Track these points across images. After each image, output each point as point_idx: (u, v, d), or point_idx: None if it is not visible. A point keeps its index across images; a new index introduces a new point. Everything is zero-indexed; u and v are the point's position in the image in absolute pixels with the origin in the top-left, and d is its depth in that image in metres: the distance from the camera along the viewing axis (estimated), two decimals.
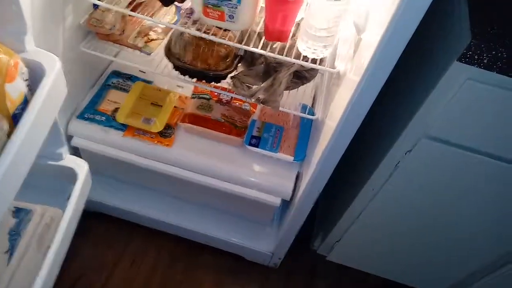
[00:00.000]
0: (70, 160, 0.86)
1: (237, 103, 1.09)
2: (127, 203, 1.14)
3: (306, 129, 1.06)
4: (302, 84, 0.96)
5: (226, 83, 0.96)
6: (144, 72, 1.12)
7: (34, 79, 0.64)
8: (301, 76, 0.94)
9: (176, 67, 0.92)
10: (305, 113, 0.96)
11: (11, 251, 0.74)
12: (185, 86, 1.12)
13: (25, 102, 0.62)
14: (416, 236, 0.93)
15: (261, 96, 0.88)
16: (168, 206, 1.16)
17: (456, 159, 0.72)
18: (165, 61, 0.93)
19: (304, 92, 1.06)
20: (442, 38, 0.69)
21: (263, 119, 1.07)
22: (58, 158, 0.85)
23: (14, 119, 0.59)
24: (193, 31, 0.84)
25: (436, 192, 0.81)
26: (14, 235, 0.76)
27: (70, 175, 0.84)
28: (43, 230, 0.77)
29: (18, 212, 0.80)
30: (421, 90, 0.69)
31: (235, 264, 1.20)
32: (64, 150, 0.86)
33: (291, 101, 1.03)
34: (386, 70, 0.60)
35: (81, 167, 0.85)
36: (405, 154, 0.75)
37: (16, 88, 0.60)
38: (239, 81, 0.90)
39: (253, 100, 0.89)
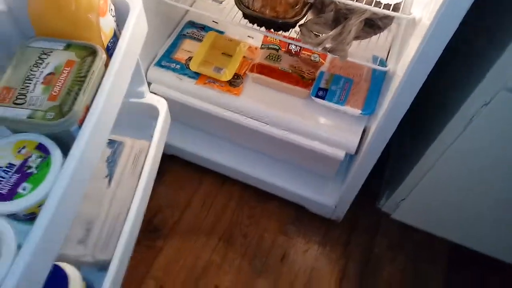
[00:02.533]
0: (151, 98, 0.91)
1: (306, 54, 1.07)
2: (200, 149, 1.21)
3: (378, 82, 1.02)
4: (375, 34, 0.92)
5: (295, 32, 0.95)
6: (217, 23, 1.15)
7: (119, 16, 0.68)
8: (373, 25, 0.89)
9: (245, 15, 0.93)
10: (376, 64, 0.92)
11: (110, 176, 0.82)
12: (256, 37, 1.12)
13: (115, 36, 0.67)
14: (489, 197, 0.87)
15: (328, 45, 0.86)
16: (237, 154, 1.21)
17: None
18: (236, 9, 0.95)
19: (377, 43, 1.01)
20: None
21: (332, 71, 1.05)
22: (140, 96, 0.90)
23: (107, 52, 0.64)
24: None
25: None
26: (111, 162, 0.85)
27: (152, 112, 0.89)
28: (135, 158, 0.84)
29: (111, 143, 0.88)
30: (501, 38, 0.62)
31: (299, 215, 1.23)
32: (145, 89, 0.91)
33: (363, 52, 0.99)
34: (462, 8, 0.55)
35: (162, 103, 0.90)
36: (482, 107, 0.69)
37: (108, 22, 0.64)
38: (307, 29, 0.89)
39: (320, 49, 0.87)
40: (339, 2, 0.81)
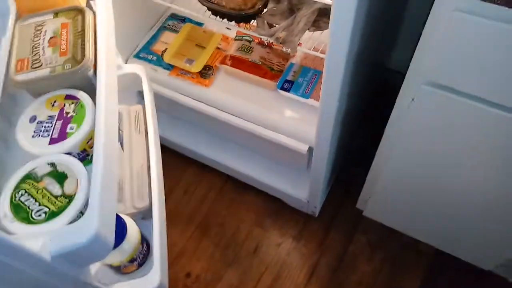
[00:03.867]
0: (129, 67, 0.93)
1: (278, 46, 1.06)
2: (181, 138, 1.24)
3: None
4: None
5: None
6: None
7: None
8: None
9: (208, 8, 0.95)
10: None
11: (120, 142, 0.87)
12: (234, 29, 1.13)
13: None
14: (436, 196, 0.82)
15: (279, 36, 0.86)
16: (216, 145, 1.23)
17: (459, 106, 0.61)
18: None
19: None
20: None
21: (303, 63, 1.03)
22: (118, 68, 0.90)
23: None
24: None
25: (445, 144, 0.70)
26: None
27: (135, 80, 0.91)
28: (135, 120, 0.89)
29: None
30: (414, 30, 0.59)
31: (276, 208, 1.23)
32: (121, 61, 0.93)
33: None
34: None
35: (141, 69, 0.92)
36: (411, 101, 0.66)
37: None
38: (262, 21, 0.88)
39: (272, 39, 0.87)
40: None
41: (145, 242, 0.74)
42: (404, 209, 0.94)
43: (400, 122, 0.71)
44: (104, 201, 0.51)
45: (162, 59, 1.09)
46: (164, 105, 1.18)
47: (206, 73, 1.06)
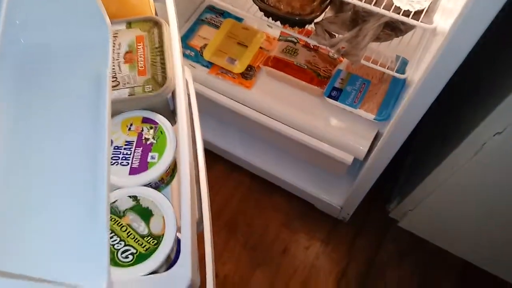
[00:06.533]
0: None
1: (324, 50, 1.02)
2: (212, 135, 1.21)
3: (397, 85, 0.96)
4: (396, 37, 0.86)
5: (311, 28, 0.90)
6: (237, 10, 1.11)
7: None
8: (395, 28, 0.83)
9: (261, 9, 0.89)
10: (393, 70, 0.86)
11: None
12: (275, 26, 1.08)
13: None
14: (496, 221, 0.82)
15: (342, 48, 0.82)
16: (247, 144, 1.20)
17: None
18: None
19: (408, 42, 0.94)
20: None
21: (350, 69, 1.00)
22: None
23: None
24: None
25: None
26: None
27: None
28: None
29: None
30: None
31: (306, 210, 1.22)
32: None
33: (387, 49, 0.93)
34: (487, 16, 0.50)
35: (188, 72, 0.85)
36: (494, 135, 0.64)
37: None
38: (322, 29, 0.84)
39: (333, 51, 0.83)
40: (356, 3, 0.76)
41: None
42: (449, 225, 0.94)
43: (473, 152, 0.69)
44: (194, 244, 0.48)
45: (201, 55, 1.04)
46: (199, 104, 1.13)
47: (248, 73, 1.02)
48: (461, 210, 0.87)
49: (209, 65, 1.03)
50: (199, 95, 1.06)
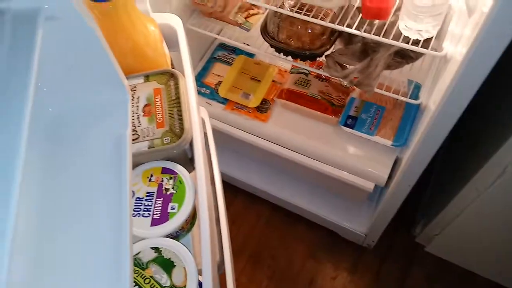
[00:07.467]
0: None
1: (336, 80, 1.03)
2: (231, 168, 1.22)
3: (412, 110, 0.96)
4: (407, 64, 0.87)
5: (322, 60, 0.91)
6: (248, 45, 1.14)
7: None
8: (405, 55, 0.84)
9: (272, 45, 0.92)
10: (407, 96, 0.87)
11: None
12: (287, 61, 1.10)
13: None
14: None
15: (355, 78, 0.83)
16: (266, 175, 1.20)
17: None
18: None
19: (420, 66, 0.93)
20: None
21: (363, 97, 1.00)
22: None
23: None
24: (285, 10, 0.81)
25: None
26: None
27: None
28: None
29: None
30: None
31: (329, 239, 1.21)
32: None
33: (398, 75, 0.93)
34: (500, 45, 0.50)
35: (204, 112, 0.89)
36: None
37: (165, 46, 0.68)
38: (333, 61, 0.85)
39: (346, 82, 0.84)
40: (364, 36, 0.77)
41: None
42: (477, 249, 0.92)
43: (496, 175, 0.68)
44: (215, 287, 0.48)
45: (217, 92, 1.06)
46: (216, 138, 1.15)
47: (262, 107, 1.04)
48: (488, 233, 0.85)
49: (225, 101, 1.05)
50: (216, 131, 1.08)
